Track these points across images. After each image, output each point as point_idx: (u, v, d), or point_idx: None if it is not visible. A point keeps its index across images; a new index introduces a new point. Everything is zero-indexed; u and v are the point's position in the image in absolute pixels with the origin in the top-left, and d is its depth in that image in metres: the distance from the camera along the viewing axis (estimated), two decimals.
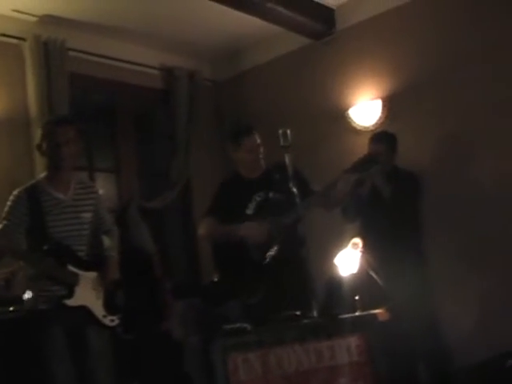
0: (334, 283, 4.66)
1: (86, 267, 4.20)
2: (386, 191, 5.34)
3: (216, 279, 5.58)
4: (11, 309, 4.72)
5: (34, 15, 5.79)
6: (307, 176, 4.84)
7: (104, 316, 4.22)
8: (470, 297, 5.47)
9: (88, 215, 4.30)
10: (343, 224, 5.54)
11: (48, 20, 5.85)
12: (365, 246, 5.23)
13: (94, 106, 6.62)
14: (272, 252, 4.66)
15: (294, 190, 4.29)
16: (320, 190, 4.64)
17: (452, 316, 5.42)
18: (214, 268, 4.98)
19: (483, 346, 5.13)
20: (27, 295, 4.18)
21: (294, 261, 4.52)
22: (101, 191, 4.91)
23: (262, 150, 4.87)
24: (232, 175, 5.07)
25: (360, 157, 4.56)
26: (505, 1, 5.57)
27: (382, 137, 5.57)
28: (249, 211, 4.78)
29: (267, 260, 4.66)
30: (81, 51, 6.11)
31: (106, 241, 4.44)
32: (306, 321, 4.02)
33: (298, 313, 4.04)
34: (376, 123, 6.21)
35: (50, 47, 5.79)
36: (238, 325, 3.96)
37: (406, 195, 5.35)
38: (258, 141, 4.85)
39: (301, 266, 4.40)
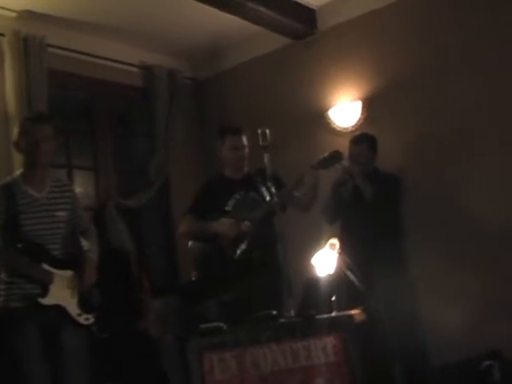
0: (311, 283, 4.67)
1: (61, 266, 4.17)
2: (367, 192, 5.35)
3: (194, 278, 5.58)
4: None
5: (13, 10, 5.74)
6: (286, 181, 4.87)
7: (79, 315, 4.20)
8: (450, 298, 5.48)
9: (63, 214, 4.28)
10: (322, 224, 5.53)
11: (27, 15, 5.79)
12: (344, 246, 5.25)
13: (73, 102, 6.56)
14: (243, 247, 4.70)
15: (273, 188, 4.33)
16: (288, 186, 4.68)
17: (432, 316, 5.44)
18: (192, 266, 4.98)
19: (463, 346, 5.14)
20: None
21: (269, 257, 4.57)
22: (78, 189, 4.89)
23: (247, 151, 4.90)
24: (216, 175, 5.12)
25: (326, 153, 4.63)
26: (484, 4, 5.59)
27: (362, 138, 5.59)
28: (228, 208, 4.82)
29: (238, 254, 4.70)
30: (60, 47, 6.05)
31: (84, 242, 4.40)
32: (282, 320, 4.02)
33: (274, 312, 4.04)
34: (355, 124, 6.22)
35: (30, 43, 5.73)
36: (213, 324, 3.95)
37: (387, 196, 5.37)
38: (244, 142, 4.90)
39: (275, 263, 4.46)
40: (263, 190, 4.69)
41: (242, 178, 4.92)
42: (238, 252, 4.71)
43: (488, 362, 4.50)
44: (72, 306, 4.18)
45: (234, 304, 4.62)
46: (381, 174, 5.53)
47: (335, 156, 4.63)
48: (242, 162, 4.92)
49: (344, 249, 5.33)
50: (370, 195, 5.34)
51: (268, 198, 4.59)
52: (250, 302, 4.44)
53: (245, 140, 4.89)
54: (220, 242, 4.75)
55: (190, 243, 4.98)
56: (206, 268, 4.85)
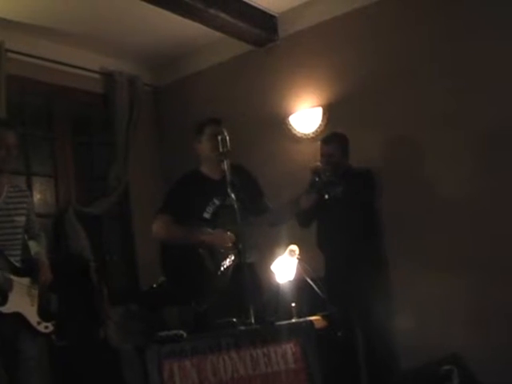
0: (272, 290, 4.66)
1: (20, 273, 4.14)
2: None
3: (159, 282, 5.51)
4: None
5: None
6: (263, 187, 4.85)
7: (38, 323, 4.17)
8: (414, 301, 5.52)
9: (21, 219, 4.26)
10: (282, 230, 5.45)
11: None
12: (321, 249, 5.22)
13: (32, 108, 6.49)
14: (228, 262, 4.54)
15: (233, 195, 4.24)
16: (283, 205, 4.64)
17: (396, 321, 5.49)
18: (161, 270, 4.78)
19: (424, 351, 5.15)
20: None
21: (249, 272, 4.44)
22: (37, 196, 4.84)
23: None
24: (192, 171, 4.84)
25: (320, 178, 4.58)
26: (444, 9, 5.64)
27: (332, 137, 5.56)
28: (206, 215, 4.62)
29: (222, 270, 4.53)
30: (19, 53, 6.00)
31: (34, 246, 4.37)
32: (242, 328, 4.00)
33: (234, 319, 4.03)
34: (316, 131, 6.24)
35: None
36: (173, 332, 3.93)
37: (358, 191, 5.25)
38: (225, 132, 4.46)
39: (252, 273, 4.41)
40: (241, 194, 4.41)
41: (220, 179, 4.51)
42: (222, 268, 4.54)
43: (447, 367, 4.51)
44: (31, 314, 4.15)
45: (205, 312, 4.50)
46: (353, 171, 5.45)
47: (333, 181, 4.60)
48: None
49: (321, 251, 5.32)
50: (339, 193, 5.24)
51: (234, 206, 4.24)
52: (223, 309, 4.37)
53: (224, 130, 4.48)
54: (200, 251, 4.55)
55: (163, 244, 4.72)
56: (182, 275, 4.62)
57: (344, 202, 5.12)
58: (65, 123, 6.64)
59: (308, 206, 4.66)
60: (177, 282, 4.71)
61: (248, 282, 4.15)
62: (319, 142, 5.58)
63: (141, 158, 6.91)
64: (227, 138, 4.29)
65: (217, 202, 4.62)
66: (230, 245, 4.46)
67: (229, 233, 4.47)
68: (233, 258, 4.50)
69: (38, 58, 6.20)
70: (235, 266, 4.46)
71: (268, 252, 4.68)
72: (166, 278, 4.91)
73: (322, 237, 5.46)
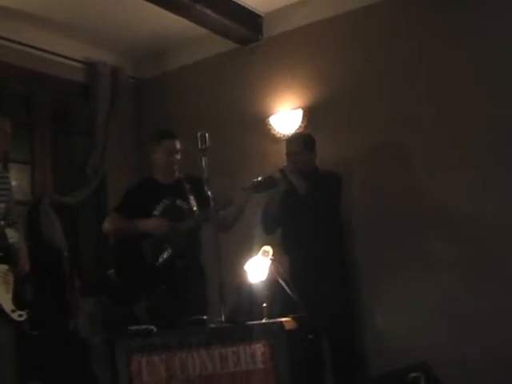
0: (244, 290, 4.66)
1: None
2: (301, 188, 5.28)
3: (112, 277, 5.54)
4: None
5: None
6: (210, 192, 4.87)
7: (13, 311, 4.15)
8: (385, 308, 5.57)
9: (1, 205, 4.23)
10: (255, 230, 5.45)
11: None
12: (286, 251, 5.23)
13: (11, 94, 6.42)
14: (165, 255, 4.76)
15: (209, 193, 4.34)
16: (217, 204, 4.59)
17: (369, 325, 5.50)
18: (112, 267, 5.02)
19: (395, 357, 5.18)
20: None
21: (192, 267, 4.78)
22: (13, 183, 4.81)
23: (179, 157, 4.96)
24: (146, 178, 5.20)
25: (260, 177, 4.63)
26: (430, 16, 5.67)
27: (297, 137, 5.63)
28: (156, 212, 4.88)
29: (159, 262, 4.75)
30: (1, 37, 5.95)
31: (12, 233, 4.35)
32: (212, 326, 4.01)
33: (204, 317, 4.04)
34: (295, 132, 6.24)
35: None
36: (143, 326, 3.93)
37: (322, 191, 5.28)
38: (178, 146, 4.96)
39: (200, 272, 4.77)
40: (191, 198, 4.81)
41: (171, 183, 4.98)
42: (160, 260, 4.76)
43: (415, 374, 4.53)
44: (6, 302, 4.14)
45: (157, 308, 4.71)
46: (320, 172, 5.49)
47: (269, 181, 4.61)
48: (173, 168, 4.99)
49: (286, 253, 5.31)
50: (303, 191, 5.28)
51: (195, 209, 4.76)
52: (176, 307, 4.54)
53: (179, 145, 4.97)
54: (141, 246, 4.80)
55: (111, 241, 5.10)
56: (125, 271, 4.90)
57: (309, 204, 5.17)
58: (44, 111, 6.58)
59: (244, 203, 4.76)
60: (121, 276, 4.95)
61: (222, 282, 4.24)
62: (285, 141, 5.62)
63: (119, 150, 6.87)
64: (207, 135, 4.33)
65: (166, 201, 4.92)
66: (165, 228, 4.74)
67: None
68: (169, 251, 4.75)
69: (21, 43, 6.15)
70: (178, 264, 4.74)
71: (234, 252, 4.71)
72: (114, 271, 5.03)
73: (286, 241, 5.44)
